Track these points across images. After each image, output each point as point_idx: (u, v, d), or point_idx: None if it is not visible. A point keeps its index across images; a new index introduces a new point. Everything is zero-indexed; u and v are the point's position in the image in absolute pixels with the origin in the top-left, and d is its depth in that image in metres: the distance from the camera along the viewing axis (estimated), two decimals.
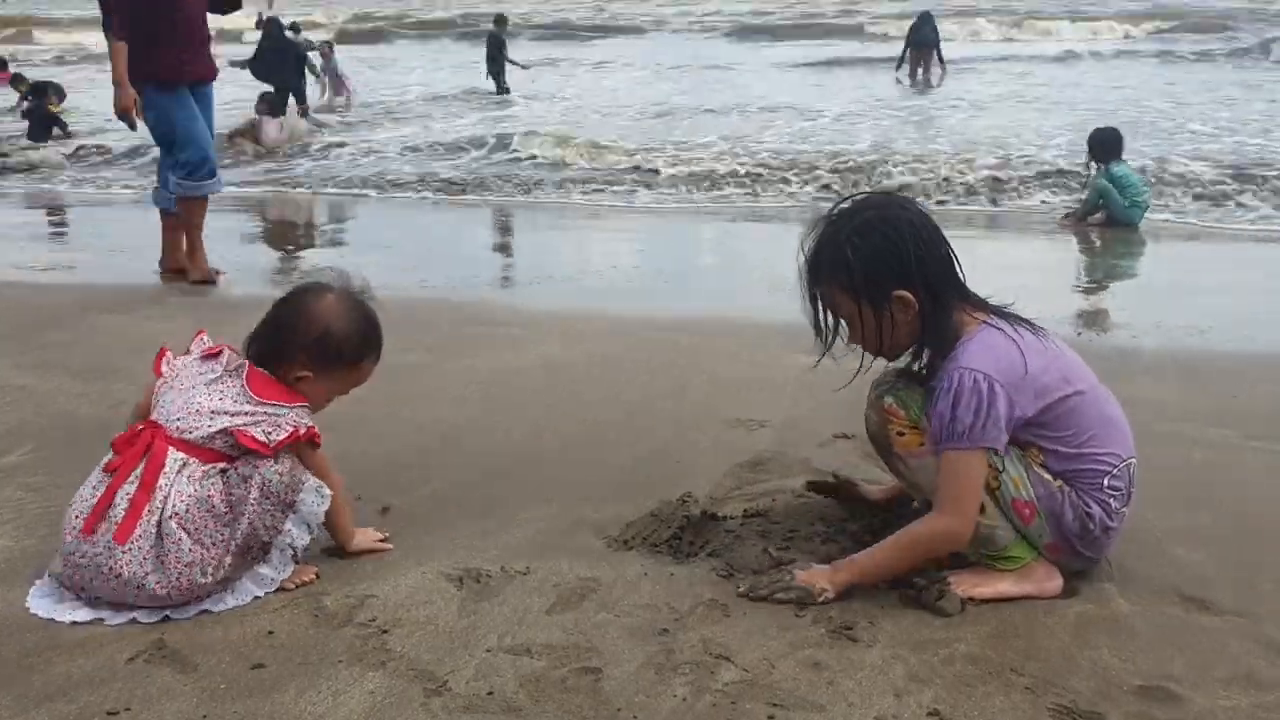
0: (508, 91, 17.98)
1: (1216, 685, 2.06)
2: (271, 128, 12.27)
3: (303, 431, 2.37)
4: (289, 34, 16.55)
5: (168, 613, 2.28)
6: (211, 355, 2.47)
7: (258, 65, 15.17)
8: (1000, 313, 2.41)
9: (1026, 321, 2.40)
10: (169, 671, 2.10)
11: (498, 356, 4.39)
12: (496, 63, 18.10)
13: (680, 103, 16.21)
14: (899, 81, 19.30)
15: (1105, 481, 2.34)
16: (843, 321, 2.44)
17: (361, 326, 2.49)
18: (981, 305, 2.42)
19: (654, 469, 3.13)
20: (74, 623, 2.26)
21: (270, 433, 2.32)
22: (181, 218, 6.02)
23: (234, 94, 13.60)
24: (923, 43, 20.03)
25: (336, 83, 17.47)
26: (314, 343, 2.43)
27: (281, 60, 15.09)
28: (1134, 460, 2.40)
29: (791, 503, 2.84)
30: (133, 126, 5.79)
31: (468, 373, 4.14)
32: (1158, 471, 2.80)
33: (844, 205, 2.43)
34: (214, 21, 5.91)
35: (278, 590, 2.37)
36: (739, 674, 2.08)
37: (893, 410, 2.43)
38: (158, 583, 2.23)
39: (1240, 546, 2.63)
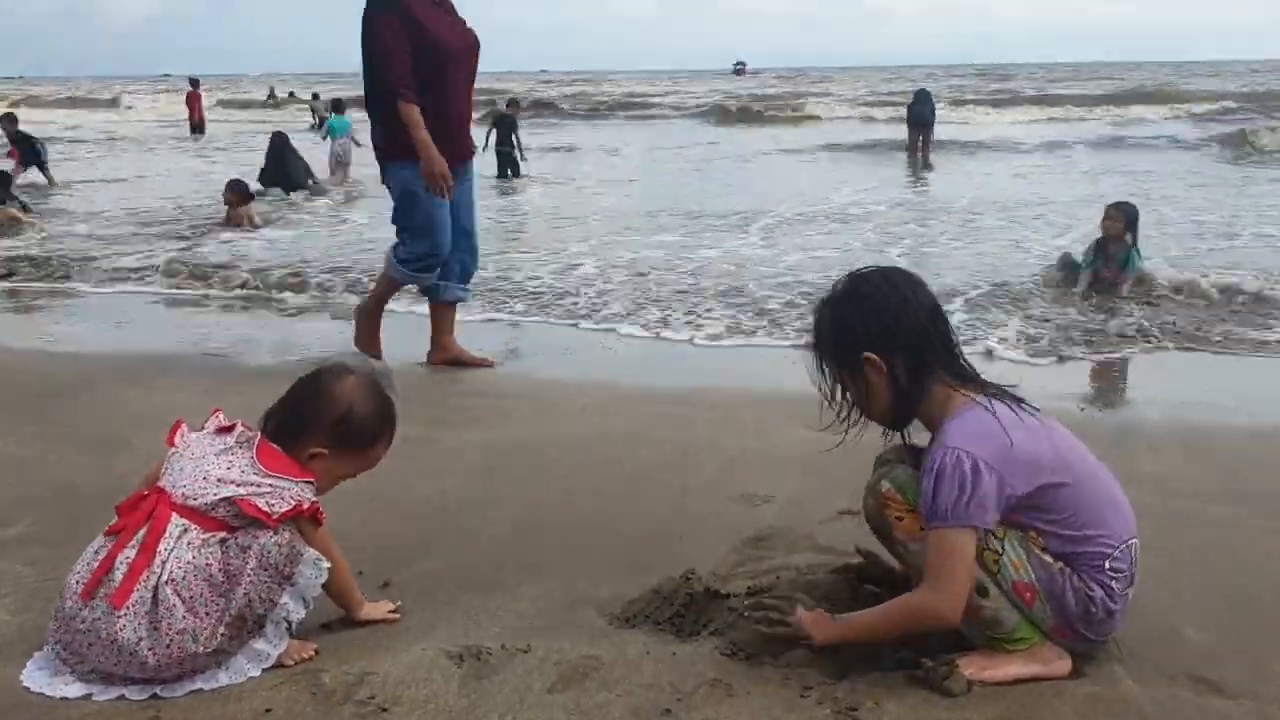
0: (518, 175, 18.01)
1: None
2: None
3: (306, 505, 2.37)
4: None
5: (157, 690, 2.25)
6: (225, 430, 2.48)
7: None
8: (997, 392, 2.42)
9: (1022, 401, 2.40)
10: None
11: (497, 430, 4.38)
12: (507, 144, 18.16)
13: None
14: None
15: (1106, 564, 2.32)
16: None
17: (380, 410, 2.54)
18: (976, 383, 2.42)
19: (656, 545, 3.11)
20: (64, 698, 2.23)
21: (274, 504, 2.33)
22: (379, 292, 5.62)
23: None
24: (919, 121, 20.61)
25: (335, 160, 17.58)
26: (334, 422, 2.47)
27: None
28: (1135, 541, 2.38)
29: (796, 580, 2.81)
30: (445, 195, 5.15)
31: (468, 446, 4.14)
32: (1163, 550, 2.78)
33: (851, 274, 2.50)
34: None
35: (275, 667, 2.34)
36: None
37: (890, 495, 2.42)
38: (150, 650, 2.21)
39: (1250, 627, 2.60)
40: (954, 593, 2.26)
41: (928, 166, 19.36)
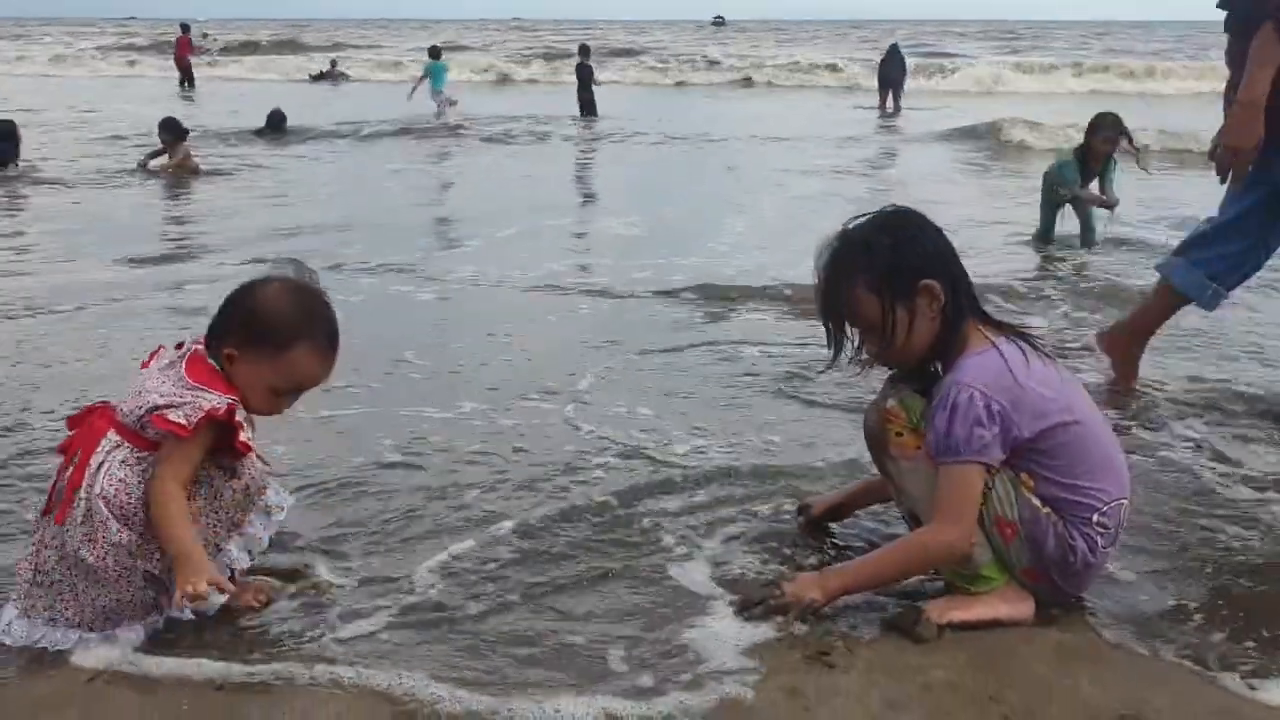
0: (595, 115, 18.63)
1: (1197, 718, 2.04)
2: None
3: (222, 409, 2.20)
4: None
5: (117, 631, 2.21)
6: (179, 347, 2.38)
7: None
8: (1014, 334, 2.41)
9: (1037, 347, 2.39)
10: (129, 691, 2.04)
11: None
12: (588, 90, 18.85)
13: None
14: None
15: (1094, 517, 2.32)
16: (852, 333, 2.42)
17: (297, 309, 2.30)
18: (995, 324, 2.42)
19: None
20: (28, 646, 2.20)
21: (190, 416, 2.17)
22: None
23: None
24: (887, 80, 20.97)
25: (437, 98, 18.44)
26: (243, 320, 2.29)
27: None
28: (1126, 501, 2.38)
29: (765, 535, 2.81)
30: None
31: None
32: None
33: (858, 218, 2.44)
34: None
35: (224, 609, 2.29)
36: (715, 700, 2.05)
37: (894, 412, 2.41)
38: (96, 561, 2.16)
39: (1221, 583, 2.60)
40: (966, 526, 2.27)
41: (897, 112, 19.89)
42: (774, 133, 15.85)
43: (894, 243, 2.35)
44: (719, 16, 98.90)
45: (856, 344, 2.44)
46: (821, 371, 2.52)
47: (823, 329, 2.46)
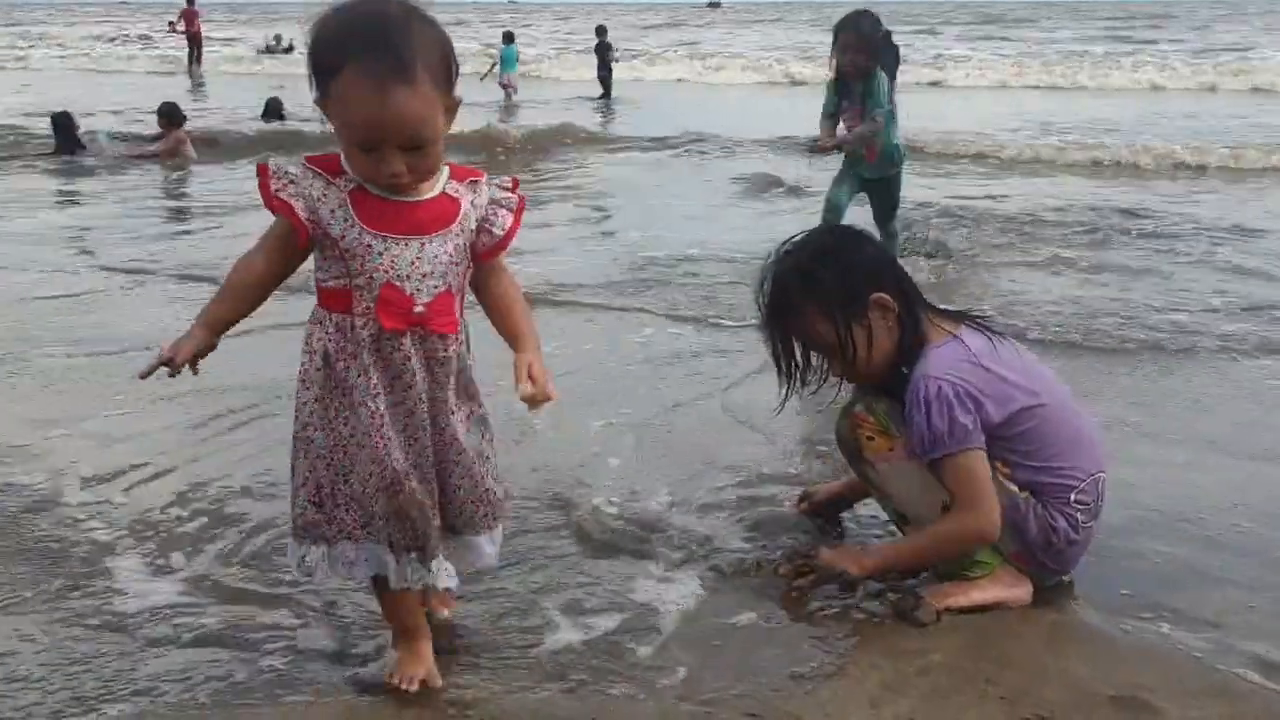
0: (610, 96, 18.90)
1: (1190, 697, 2.08)
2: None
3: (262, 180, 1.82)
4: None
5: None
6: None
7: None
8: (970, 322, 2.45)
9: (996, 332, 2.43)
10: None
11: None
12: (606, 69, 19.20)
13: None
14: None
15: (1072, 496, 2.35)
16: (814, 357, 2.49)
17: (334, 31, 1.74)
18: (949, 315, 2.48)
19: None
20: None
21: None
22: None
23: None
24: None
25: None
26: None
27: None
28: (1103, 475, 2.41)
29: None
30: None
31: None
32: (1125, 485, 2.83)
33: (794, 239, 2.49)
34: None
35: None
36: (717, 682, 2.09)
37: (862, 416, 2.45)
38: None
39: (1211, 559, 2.64)
40: (988, 510, 2.30)
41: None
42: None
43: (836, 265, 2.40)
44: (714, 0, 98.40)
45: (813, 366, 2.50)
46: (779, 409, 2.57)
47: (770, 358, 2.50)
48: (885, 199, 5.57)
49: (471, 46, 24.54)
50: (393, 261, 1.80)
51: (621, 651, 2.21)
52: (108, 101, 15.88)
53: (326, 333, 1.85)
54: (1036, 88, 20.25)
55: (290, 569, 2.01)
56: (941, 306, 2.52)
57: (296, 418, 1.89)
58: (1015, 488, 2.35)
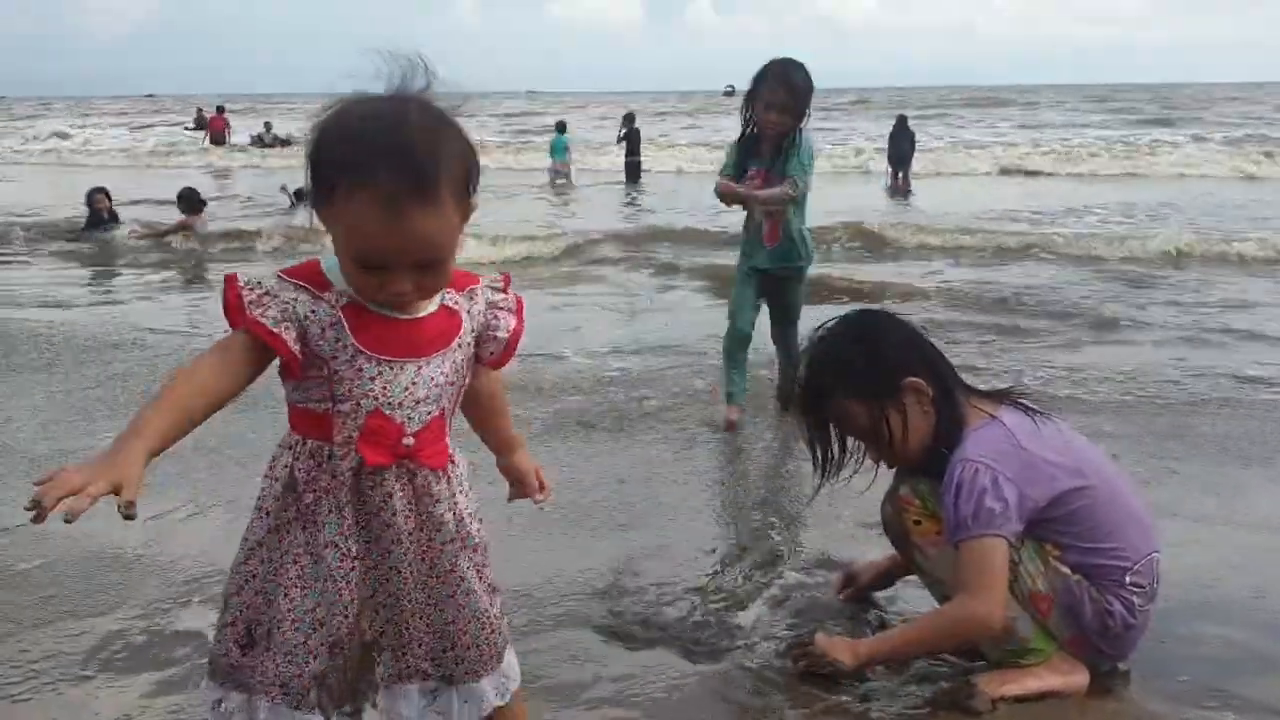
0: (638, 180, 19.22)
1: None
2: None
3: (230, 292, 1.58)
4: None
5: None
6: None
7: None
8: (1011, 402, 2.40)
9: (1038, 411, 2.39)
10: None
11: None
12: (635, 154, 19.48)
13: None
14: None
15: (1126, 578, 2.28)
16: (849, 443, 2.47)
17: (347, 138, 1.52)
18: (988, 396, 2.43)
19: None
20: None
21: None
22: None
23: None
24: (896, 156, 19.17)
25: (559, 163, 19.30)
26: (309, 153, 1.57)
27: None
28: (1157, 554, 2.34)
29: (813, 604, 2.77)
30: None
31: None
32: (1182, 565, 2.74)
33: (827, 325, 2.48)
34: None
35: None
36: None
37: (908, 500, 2.40)
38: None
39: (1275, 644, 2.55)
40: (994, 598, 2.22)
41: (909, 194, 17.83)
42: None
43: (868, 350, 2.38)
44: (730, 86, 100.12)
45: (848, 451, 2.48)
46: (815, 493, 2.55)
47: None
48: (783, 301, 4.49)
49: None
50: (385, 387, 1.59)
51: None
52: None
53: (298, 459, 1.61)
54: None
55: (204, 711, 1.70)
56: (981, 387, 2.49)
57: (243, 546, 1.64)
58: (1067, 570, 2.28)
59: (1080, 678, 2.32)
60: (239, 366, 1.57)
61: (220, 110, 31.89)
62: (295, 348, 1.55)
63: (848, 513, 3.21)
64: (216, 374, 1.56)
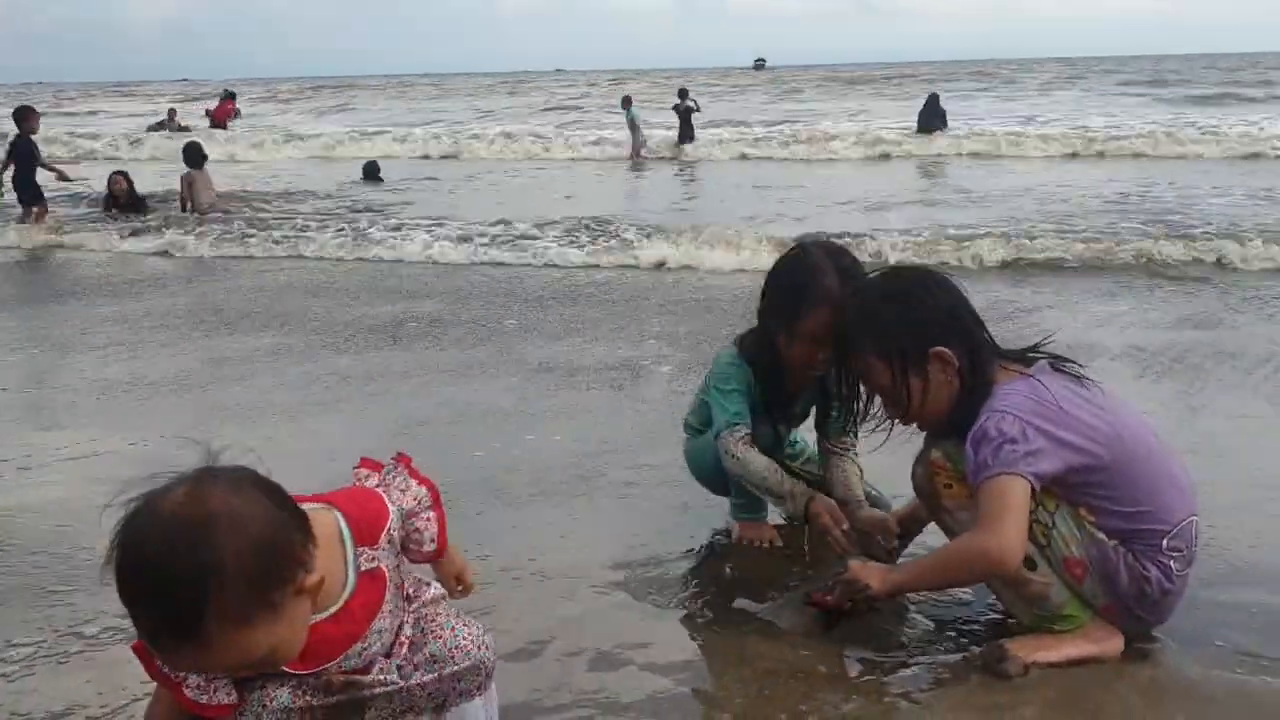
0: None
1: None
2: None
3: None
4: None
5: None
6: None
7: None
8: (1050, 363, 2.35)
9: (1075, 374, 2.33)
10: None
11: None
12: (689, 127, 20.33)
13: None
14: None
15: (1164, 542, 2.23)
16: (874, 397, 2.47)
17: (121, 573, 1.37)
18: (1024, 360, 2.38)
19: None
20: None
21: None
22: None
23: None
24: (925, 131, 19.89)
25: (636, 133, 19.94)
26: None
27: None
28: (1195, 519, 2.29)
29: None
30: None
31: None
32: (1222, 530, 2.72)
33: (870, 276, 2.47)
34: None
35: None
36: None
37: (939, 463, 2.37)
38: None
39: None
40: (1005, 534, 2.16)
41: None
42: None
43: (900, 310, 2.35)
44: (760, 60, 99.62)
45: (870, 402, 2.50)
46: (845, 428, 2.64)
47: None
48: None
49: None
50: (309, 688, 1.61)
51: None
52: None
53: None
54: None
55: None
56: (1020, 349, 2.42)
57: None
58: (1103, 535, 2.24)
59: (1114, 644, 2.29)
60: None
61: (231, 96, 31.42)
62: (229, 700, 1.54)
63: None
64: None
